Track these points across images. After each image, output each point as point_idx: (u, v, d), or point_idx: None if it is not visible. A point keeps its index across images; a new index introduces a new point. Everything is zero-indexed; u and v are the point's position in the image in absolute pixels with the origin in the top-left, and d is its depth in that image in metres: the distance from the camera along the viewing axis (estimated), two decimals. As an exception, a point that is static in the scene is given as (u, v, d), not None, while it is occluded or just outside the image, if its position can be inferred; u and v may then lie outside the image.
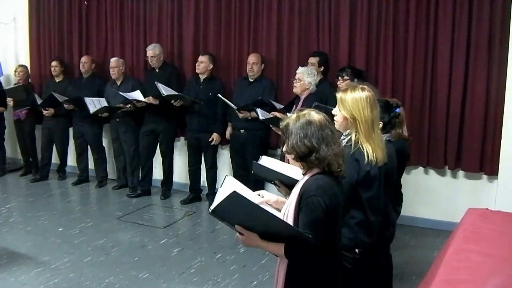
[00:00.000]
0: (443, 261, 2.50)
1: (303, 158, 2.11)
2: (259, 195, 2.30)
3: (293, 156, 2.15)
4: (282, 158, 4.64)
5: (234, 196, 1.95)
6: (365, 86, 2.50)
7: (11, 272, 4.08)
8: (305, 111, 2.16)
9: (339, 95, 2.50)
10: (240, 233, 2.11)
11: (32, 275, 4.05)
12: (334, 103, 4.07)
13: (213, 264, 4.36)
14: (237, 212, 2.05)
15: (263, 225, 2.06)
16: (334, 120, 2.44)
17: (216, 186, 5.88)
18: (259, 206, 2.06)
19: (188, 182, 6.04)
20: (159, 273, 4.14)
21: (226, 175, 2.38)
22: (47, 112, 6.47)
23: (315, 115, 2.12)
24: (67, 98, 6.24)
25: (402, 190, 3.67)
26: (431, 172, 5.20)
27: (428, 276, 2.56)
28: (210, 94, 5.60)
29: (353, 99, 2.42)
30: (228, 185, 2.19)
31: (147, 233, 5.04)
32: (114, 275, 4.07)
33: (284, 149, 2.18)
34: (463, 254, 2.53)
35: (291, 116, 2.17)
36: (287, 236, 2.04)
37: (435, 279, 2.30)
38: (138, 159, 6.21)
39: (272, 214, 2.06)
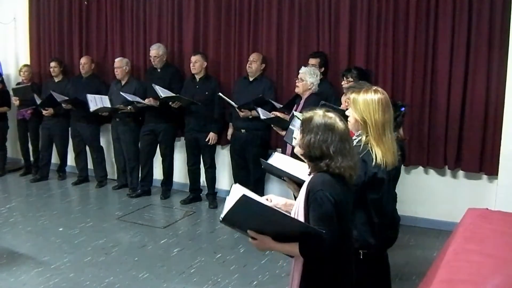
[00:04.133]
0: (443, 261, 2.50)
1: (313, 159, 2.09)
2: (267, 199, 2.30)
3: (302, 152, 2.13)
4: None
5: (244, 199, 1.94)
6: (378, 88, 2.47)
7: (11, 272, 4.08)
8: (332, 115, 2.11)
9: (352, 96, 2.48)
10: (253, 238, 2.10)
11: (32, 275, 4.05)
12: (334, 103, 4.08)
13: (213, 264, 4.36)
14: (248, 217, 2.03)
15: (275, 226, 2.05)
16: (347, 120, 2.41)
17: (216, 186, 5.89)
18: (269, 207, 2.07)
19: (188, 182, 6.04)
20: (159, 273, 4.14)
21: (233, 184, 2.38)
22: (47, 112, 6.48)
23: (340, 124, 2.09)
24: (66, 98, 6.24)
25: (400, 191, 3.66)
26: (431, 172, 5.19)
27: (428, 276, 2.55)
28: (207, 93, 5.61)
29: (365, 101, 2.40)
30: (236, 193, 2.19)
31: (147, 233, 5.04)
32: (114, 275, 4.07)
33: (297, 142, 2.15)
34: (463, 254, 2.53)
35: (317, 112, 2.13)
36: (300, 234, 2.03)
37: (435, 279, 2.30)
38: (137, 159, 6.21)
39: (283, 212, 2.06)
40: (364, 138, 2.41)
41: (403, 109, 3.20)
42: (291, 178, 2.47)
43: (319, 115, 2.11)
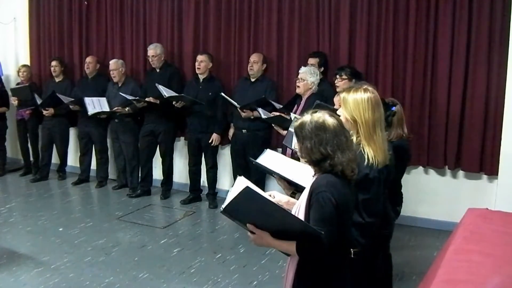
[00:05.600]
0: (443, 261, 2.50)
1: (316, 163, 2.09)
2: (270, 195, 2.30)
3: (305, 160, 2.14)
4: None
5: (247, 191, 1.94)
6: (368, 87, 2.47)
7: (11, 272, 4.08)
8: (319, 114, 2.12)
9: (342, 95, 2.49)
10: (251, 232, 2.10)
11: (32, 275, 4.05)
12: (333, 103, 4.07)
13: (213, 264, 4.36)
14: (249, 209, 2.04)
15: (275, 222, 2.05)
16: None
17: (216, 186, 5.89)
18: (271, 201, 2.06)
19: (188, 182, 6.04)
20: (159, 273, 4.14)
21: (238, 176, 2.38)
22: (47, 112, 6.47)
23: (330, 120, 2.09)
24: (72, 99, 6.25)
25: (402, 191, 3.67)
26: (431, 172, 5.19)
27: (428, 276, 2.55)
28: (210, 94, 5.60)
29: (354, 101, 2.40)
30: (240, 185, 2.19)
31: (147, 233, 5.04)
32: (114, 275, 4.07)
33: (298, 153, 2.16)
34: (463, 254, 2.53)
35: (305, 117, 2.13)
36: (299, 233, 2.03)
37: (435, 279, 2.30)
38: (137, 159, 6.22)
39: (284, 209, 2.07)
40: (355, 138, 2.41)
41: (393, 108, 3.19)
42: (281, 177, 2.49)
43: (308, 119, 2.11)
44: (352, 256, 2.41)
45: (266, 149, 2.79)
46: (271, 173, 2.59)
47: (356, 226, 2.42)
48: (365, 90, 2.43)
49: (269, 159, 2.62)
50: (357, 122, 2.39)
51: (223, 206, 2.04)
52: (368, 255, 2.49)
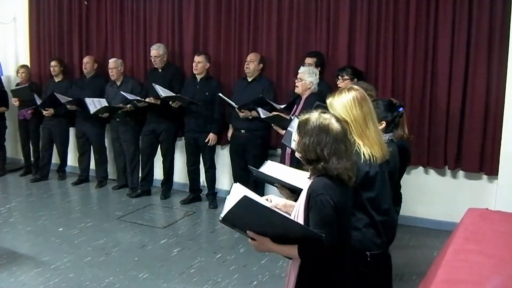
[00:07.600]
0: (443, 261, 2.49)
1: (310, 162, 2.09)
2: (267, 199, 2.30)
3: (300, 155, 2.14)
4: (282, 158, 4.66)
5: (245, 200, 1.94)
6: (353, 86, 2.50)
7: (11, 272, 4.08)
8: (327, 116, 2.11)
9: (328, 100, 2.50)
10: (252, 239, 2.10)
11: (32, 275, 4.05)
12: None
13: (213, 264, 4.36)
14: (248, 217, 2.03)
15: (275, 228, 2.05)
16: None
17: (216, 186, 5.89)
18: (270, 208, 2.06)
19: (188, 182, 6.04)
20: (159, 273, 4.14)
21: (233, 183, 2.38)
22: (47, 113, 6.48)
23: (335, 125, 2.08)
24: (69, 99, 6.24)
25: (402, 191, 3.66)
26: (431, 172, 5.19)
27: (428, 276, 2.55)
28: (207, 94, 5.61)
29: (340, 103, 2.42)
30: (236, 192, 2.18)
31: (147, 233, 5.04)
32: (114, 275, 4.07)
33: (294, 146, 2.15)
34: (463, 254, 2.53)
35: (313, 114, 2.12)
36: (300, 237, 2.03)
37: (435, 279, 2.30)
38: (138, 159, 6.22)
39: (283, 215, 2.06)
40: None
41: (400, 109, 3.20)
42: (283, 185, 2.48)
43: (314, 117, 2.10)
44: (369, 259, 2.41)
45: (267, 160, 2.78)
46: (273, 181, 2.56)
47: (369, 228, 2.41)
48: (349, 90, 2.45)
49: (271, 169, 2.60)
50: (348, 121, 2.39)
51: (222, 215, 2.05)
52: (381, 257, 2.49)
